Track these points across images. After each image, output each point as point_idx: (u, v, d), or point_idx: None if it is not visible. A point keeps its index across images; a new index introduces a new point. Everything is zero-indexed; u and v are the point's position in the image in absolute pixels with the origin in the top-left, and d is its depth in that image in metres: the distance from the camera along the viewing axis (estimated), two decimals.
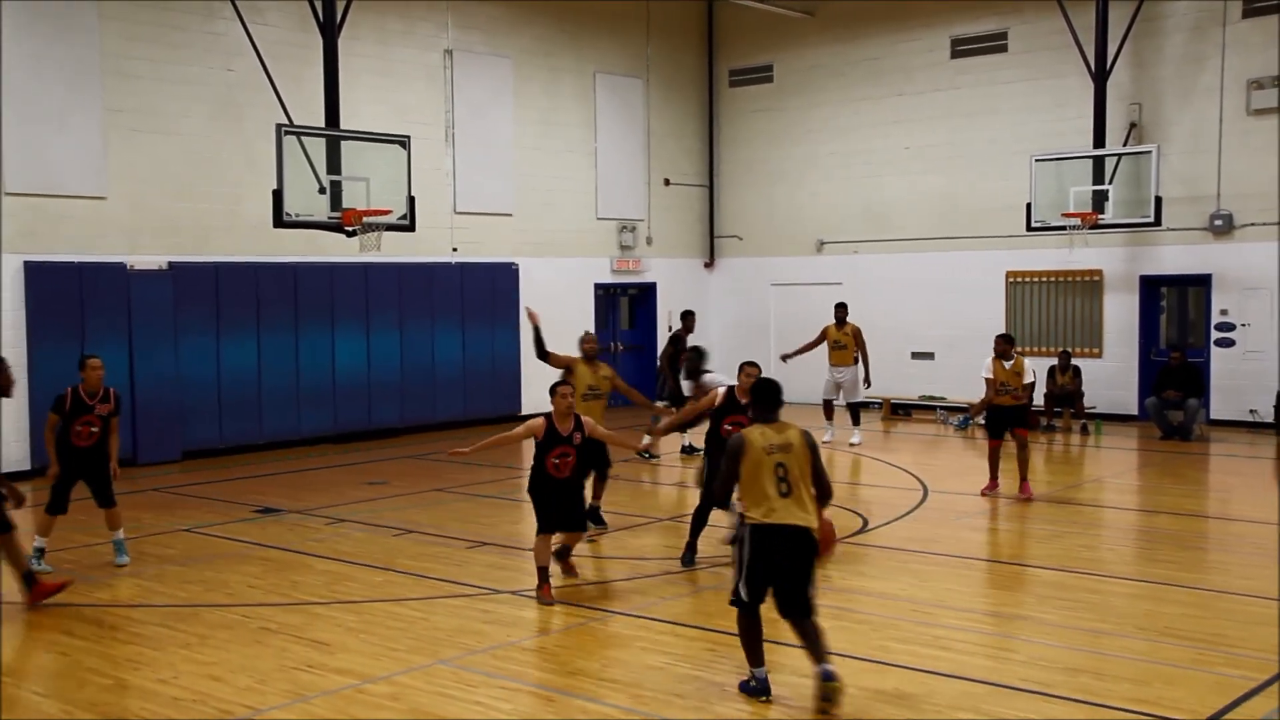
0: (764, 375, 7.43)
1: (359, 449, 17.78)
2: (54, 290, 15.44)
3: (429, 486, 14.30)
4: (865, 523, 11.88)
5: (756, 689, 6.85)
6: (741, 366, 9.78)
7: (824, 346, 17.95)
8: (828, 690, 6.53)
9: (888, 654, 7.68)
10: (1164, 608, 8.87)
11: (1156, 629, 8.25)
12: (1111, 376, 19.98)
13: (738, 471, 6.76)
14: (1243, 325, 18.83)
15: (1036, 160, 19.15)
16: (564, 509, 9.31)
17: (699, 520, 10.15)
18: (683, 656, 7.71)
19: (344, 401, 18.44)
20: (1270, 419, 18.12)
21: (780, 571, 6.72)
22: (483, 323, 20.26)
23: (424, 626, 8.51)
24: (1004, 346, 13.54)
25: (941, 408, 20.74)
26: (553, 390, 9.27)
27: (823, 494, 6.92)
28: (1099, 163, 18.81)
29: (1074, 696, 6.85)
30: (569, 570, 9.78)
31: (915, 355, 21.93)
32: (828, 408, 17.95)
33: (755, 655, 6.88)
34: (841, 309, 18.06)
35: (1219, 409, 18.93)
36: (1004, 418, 13.46)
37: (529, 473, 9.40)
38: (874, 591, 9.31)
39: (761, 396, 7.04)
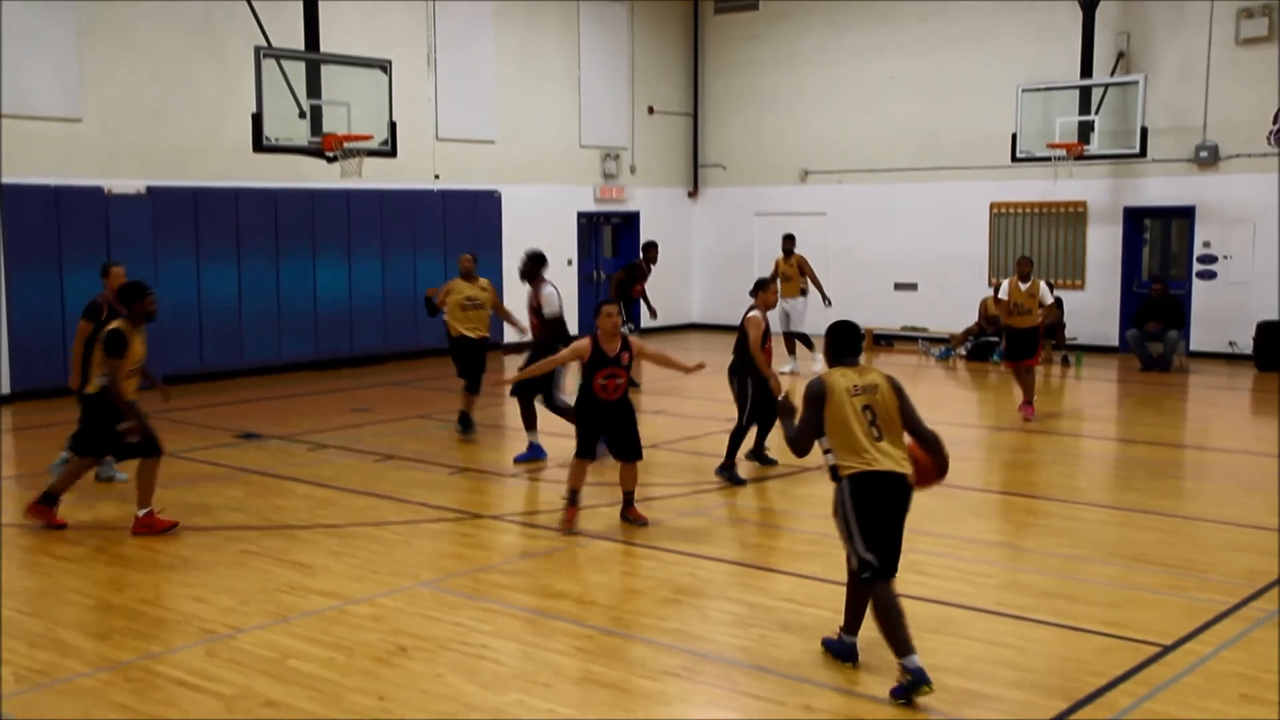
0: (842, 320, 6.46)
1: (341, 376, 17.76)
2: (30, 214, 15.27)
3: (411, 413, 14.31)
4: None
5: (910, 684, 5.74)
6: (599, 307, 9.07)
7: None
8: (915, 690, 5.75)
9: None
10: (1138, 534, 8.99)
11: (1130, 555, 8.35)
12: (1093, 308, 20.05)
13: (821, 418, 6.04)
14: (1225, 257, 18.88)
15: (1023, 90, 19.05)
16: (616, 434, 9.04)
17: (735, 439, 10.52)
18: (664, 581, 7.77)
19: (325, 328, 18.39)
20: (1250, 351, 18.24)
21: (884, 526, 6.01)
22: (465, 250, 20.03)
23: (405, 550, 8.56)
24: (1024, 268, 14.03)
25: (924, 339, 20.80)
26: (597, 310, 9.07)
27: (927, 441, 6.21)
28: (1085, 93, 18.73)
29: (1049, 620, 6.95)
30: (638, 518, 9.12)
31: (898, 286, 21.95)
32: (788, 341, 17.89)
33: (900, 641, 5.86)
34: (788, 240, 18.10)
35: (1199, 341, 19.04)
36: (1018, 340, 13.88)
37: (577, 394, 9.19)
38: None
39: (840, 338, 6.30)
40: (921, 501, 9.90)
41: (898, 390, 6.15)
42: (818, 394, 6.05)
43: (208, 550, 8.48)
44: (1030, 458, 12.06)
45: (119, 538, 8.85)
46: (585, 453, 9.06)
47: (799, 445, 6.17)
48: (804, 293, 17.86)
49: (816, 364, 17.43)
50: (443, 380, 17.21)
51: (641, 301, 16.87)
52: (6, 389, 15.16)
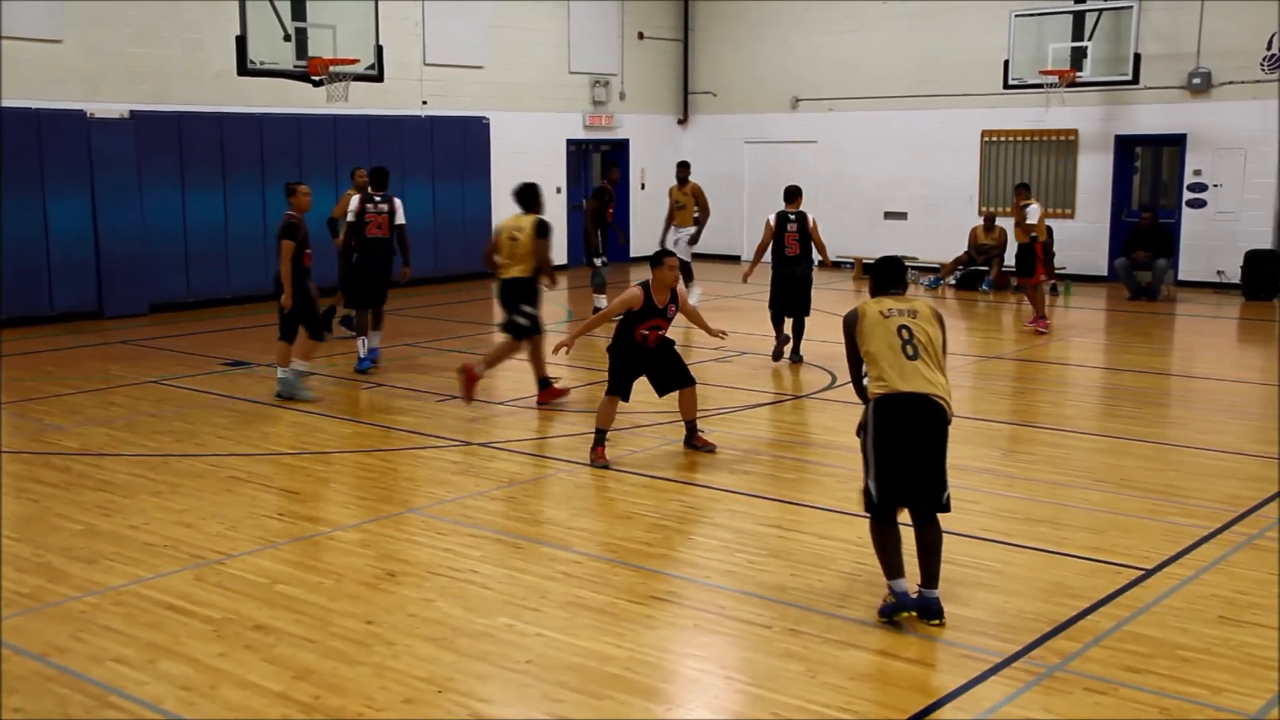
0: (888, 256, 6.39)
1: (327, 304, 17.64)
2: (11, 137, 15.08)
3: (399, 341, 14.28)
4: (834, 378, 11.97)
5: (897, 605, 5.76)
6: (662, 258, 8.83)
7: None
8: (928, 614, 5.79)
9: (851, 505, 7.78)
10: (1122, 461, 9.05)
11: (1114, 481, 8.42)
12: (1083, 237, 20.01)
13: (856, 346, 5.97)
14: (1215, 186, 18.82)
15: (1016, 16, 18.86)
16: (659, 370, 8.93)
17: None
18: (652, 508, 7.81)
19: (313, 255, 18.24)
20: (1238, 280, 18.25)
21: (910, 449, 5.80)
22: (453, 177, 20.00)
23: (393, 477, 8.59)
24: (1017, 194, 15.42)
25: (913, 267, 20.74)
26: (659, 260, 8.78)
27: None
28: (1079, 19, 18.55)
29: (1032, 545, 7.02)
30: (704, 445, 9.10)
31: (888, 215, 21.88)
32: (684, 269, 16.80)
33: (892, 565, 5.84)
34: (683, 168, 17.04)
35: (1188, 270, 19.05)
36: (1017, 259, 15.23)
37: (613, 335, 9.00)
38: (841, 445, 9.41)
39: (883, 271, 6.17)
40: None
41: (940, 320, 6.03)
42: (850, 324, 5.99)
43: (195, 477, 8.49)
44: (1017, 385, 12.10)
45: (106, 464, 8.86)
46: (617, 390, 8.87)
47: (853, 381, 6.11)
48: (696, 221, 16.64)
49: (692, 296, 16.03)
50: (430, 309, 17.18)
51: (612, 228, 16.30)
52: None
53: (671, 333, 9.17)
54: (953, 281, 19.65)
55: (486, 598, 6.20)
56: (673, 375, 8.96)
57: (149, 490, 8.18)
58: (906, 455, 5.81)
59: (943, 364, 5.98)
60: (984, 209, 20.55)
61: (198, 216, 16.95)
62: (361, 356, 12.43)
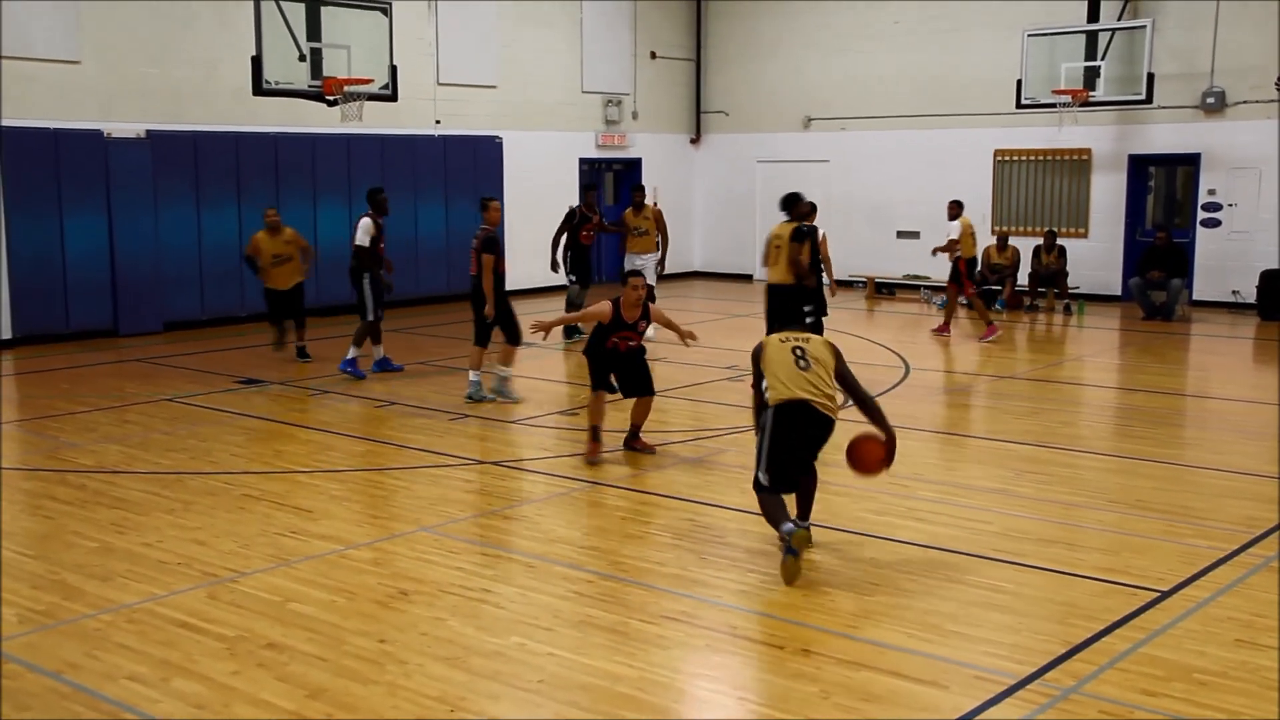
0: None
1: (341, 321, 17.71)
2: (29, 157, 15.20)
3: (411, 360, 14.30)
4: (846, 399, 11.94)
5: (786, 548, 6.71)
6: (628, 277, 9.40)
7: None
8: (799, 538, 6.80)
9: (864, 525, 7.80)
10: (1136, 481, 9.00)
11: (1128, 502, 8.38)
12: (1096, 257, 19.98)
13: (759, 369, 7.21)
14: (1230, 205, 18.78)
15: (1028, 35, 18.87)
16: (626, 373, 9.49)
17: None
18: (664, 527, 7.81)
19: (326, 274, 18.28)
20: (1253, 300, 18.19)
21: (801, 442, 7.03)
22: (466, 196, 20.05)
23: (406, 495, 8.59)
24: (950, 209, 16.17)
25: (925, 287, 20.74)
26: (625, 278, 9.39)
27: (866, 404, 7.19)
28: (1092, 38, 18.56)
29: (1045, 566, 6.98)
30: (644, 447, 9.62)
31: (900, 234, 21.88)
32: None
33: (778, 519, 6.88)
34: (638, 191, 16.45)
35: (1202, 290, 18.99)
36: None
37: (589, 340, 9.57)
38: None
39: (784, 316, 7.81)
40: (921, 450, 9.99)
41: (835, 350, 7.24)
42: (757, 352, 7.32)
43: (209, 494, 8.51)
44: (1030, 405, 12.06)
45: (121, 481, 8.88)
46: (600, 384, 9.43)
47: (755, 392, 7.33)
48: (658, 247, 16.01)
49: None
50: (442, 327, 17.21)
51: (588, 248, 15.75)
52: (7, 333, 15.15)
53: (717, 355, 9.20)
54: (965, 301, 19.58)
55: (498, 617, 6.20)
56: (637, 383, 9.53)
57: (163, 508, 8.20)
58: (798, 447, 7.06)
59: (832, 379, 7.15)
60: (996, 228, 20.53)
61: (212, 235, 17.04)
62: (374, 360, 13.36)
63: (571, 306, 15.49)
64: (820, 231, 12.74)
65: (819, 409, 7.00)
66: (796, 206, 12.06)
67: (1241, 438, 10.44)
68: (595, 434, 9.40)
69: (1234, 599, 6.43)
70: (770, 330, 11.13)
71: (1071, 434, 10.82)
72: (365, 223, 12.94)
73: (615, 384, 9.58)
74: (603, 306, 9.33)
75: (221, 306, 17.22)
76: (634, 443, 9.65)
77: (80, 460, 9.49)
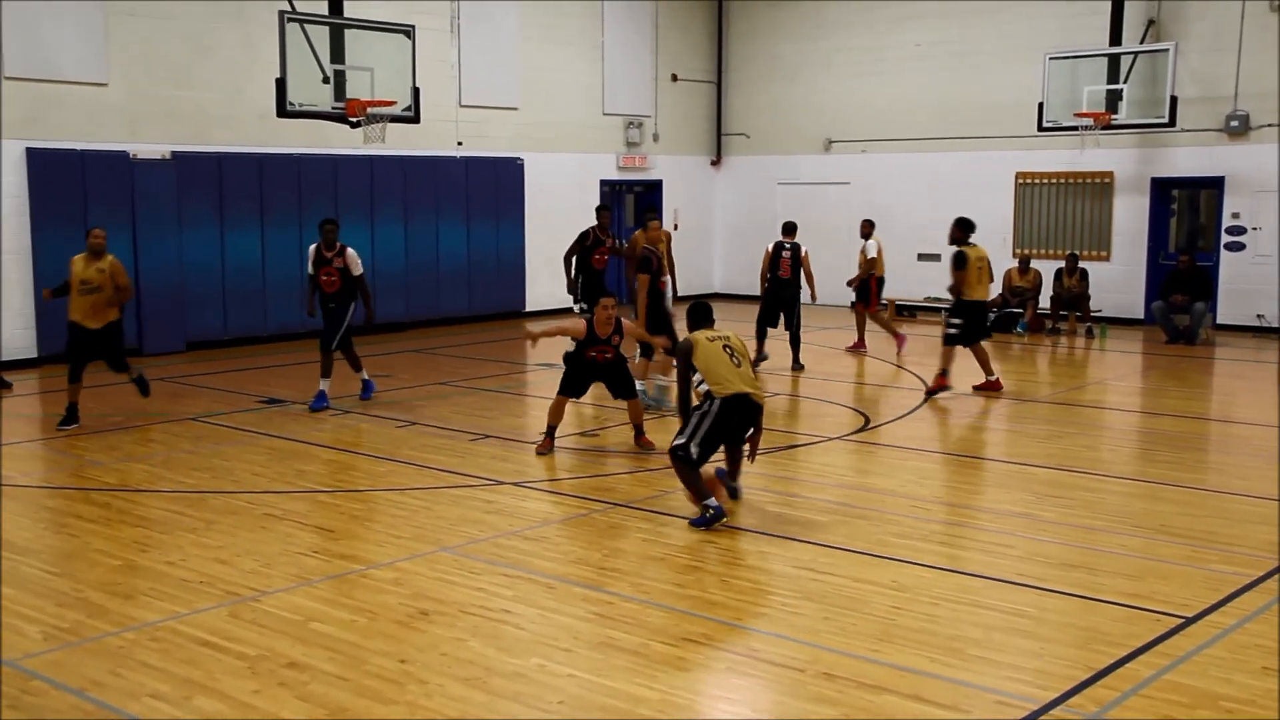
0: (699, 301, 8.99)
1: (363, 342, 17.75)
2: (56, 177, 15.36)
3: (433, 380, 14.35)
4: (867, 420, 11.93)
5: (714, 515, 8.06)
6: (600, 301, 10.43)
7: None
8: (731, 490, 8.52)
9: (885, 548, 7.76)
10: (1160, 506, 8.95)
11: (1152, 526, 8.32)
12: (1119, 280, 19.90)
13: (693, 365, 8.36)
14: (1254, 229, 18.69)
15: (1050, 58, 18.85)
16: (612, 381, 10.51)
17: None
18: (684, 549, 7.79)
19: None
20: (1278, 324, 18.07)
21: (740, 427, 8.34)
22: (487, 217, 20.17)
23: (427, 515, 8.61)
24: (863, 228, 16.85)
25: (946, 309, 20.64)
26: (597, 301, 10.48)
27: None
28: (1114, 61, 18.53)
29: (1069, 590, 6.94)
30: (648, 445, 10.46)
31: (922, 257, 21.82)
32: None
33: (701, 491, 8.13)
34: (649, 213, 14.02)
35: (1226, 313, 18.89)
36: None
37: (570, 351, 10.57)
38: (874, 488, 9.38)
39: (699, 313, 8.76)
40: (943, 473, 9.95)
41: (742, 342, 8.52)
42: (687, 350, 8.39)
43: (231, 513, 8.55)
44: (1052, 429, 12.01)
45: (144, 500, 8.93)
46: (566, 391, 10.45)
47: (680, 382, 8.55)
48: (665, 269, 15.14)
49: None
50: (464, 348, 17.26)
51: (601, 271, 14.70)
52: (34, 353, 15.26)
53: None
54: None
55: (519, 638, 6.20)
56: (622, 387, 10.57)
57: (185, 526, 8.23)
58: (734, 430, 8.31)
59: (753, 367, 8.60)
60: (1018, 251, 20.48)
61: (236, 255, 17.15)
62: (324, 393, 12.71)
63: None
64: (803, 248, 15.37)
65: (755, 399, 8.28)
66: (954, 231, 14.01)
67: (1267, 463, 10.35)
68: (551, 431, 10.43)
69: (1261, 626, 6.37)
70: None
71: (1094, 458, 10.75)
72: (310, 250, 12.81)
73: (608, 388, 10.59)
74: (576, 325, 10.55)
75: (244, 326, 17.32)
76: (640, 440, 10.54)
77: (104, 478, 9.54)
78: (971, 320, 13.51)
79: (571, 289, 14.59)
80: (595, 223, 14.51)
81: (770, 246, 15.46)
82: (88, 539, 7.97)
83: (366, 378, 13.14)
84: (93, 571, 7.29)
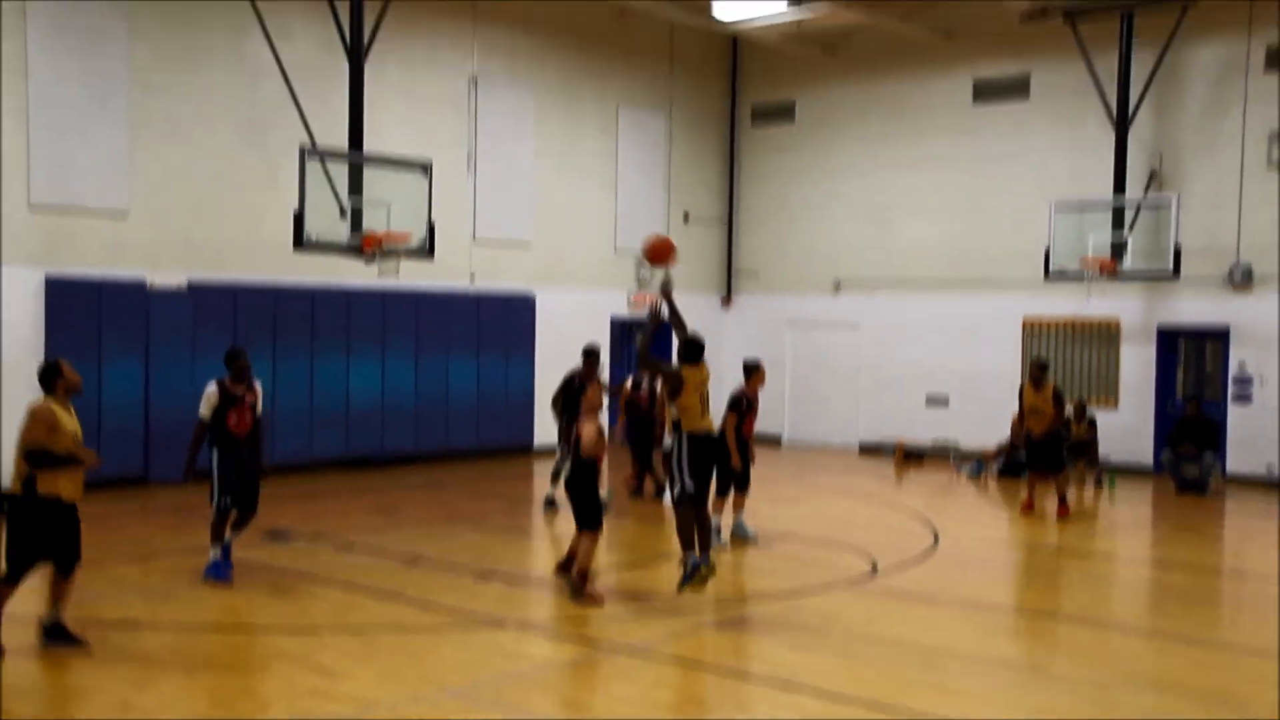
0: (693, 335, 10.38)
1: (371, 475, 17.78)
2: (74, 306, 15.52)
3: (439, 516, 14.29)
4: (875, 567, 11.82)
5: (692, 571, 9.39)
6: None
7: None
8: (705, 573, 9.55)
9: (892, 697, 7.63)
10: (1172, 662, 8.80)
11: (1164, 683, 8.18)
12: (1127, 428, 19.88)
13: (680, 388, 9.82)
14: (1260, 381, 18.71)
15: (1056, 208, 19.17)
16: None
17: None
18: (689, 696, 7.67)
19: (357, 427, 18.46)
20: None
21: (711, 465, 9.95)
22: (498, 353, 20.30)
23: (431, 655, 8.49)
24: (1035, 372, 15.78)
25: (955, 454, 20.65)
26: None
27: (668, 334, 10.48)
28: (1119, 211, 18.83)
29: None
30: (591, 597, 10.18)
31: (930, 400, 21.87)
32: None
33: (693, 542, 9.48)
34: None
35: (1236, 464, 18.80)
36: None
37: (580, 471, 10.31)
38: (881, 636, 9.25)
39: (693, 349, 10.14)
40: (951, 622, 9.82)
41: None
42: (680, 379, 9.88)
43: (231, 651, 8.45)
44: (1062, 580, 11.88)
45: (143, 637, 8.82)
46: (595, 524, 10.30)
47: (643, 353, 10.34)
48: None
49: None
50: (471, 484, 17.22)
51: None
52: None
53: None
54: (995, 470, 19.48)
55: None
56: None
57: (183, 664, 8.11)
58: (709, 465, 9.99)
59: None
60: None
61: None
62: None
63: (556, 477, 14.41)
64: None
65: (716, 436, 10.23)
66: (1031, 373, 15.47)
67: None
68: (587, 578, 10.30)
69: None
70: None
71: (1104, 610, 10.62)
72: (210, 389, 11.03)
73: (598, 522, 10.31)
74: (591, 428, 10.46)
75: None
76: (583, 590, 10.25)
77: (103, 613, 9.43)
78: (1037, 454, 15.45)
79: (562, 435, 14.30)
80: (581, 367, 14.22)
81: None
82: (82, 676, 7.84)
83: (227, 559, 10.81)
84: (85, 709, 7.17)
